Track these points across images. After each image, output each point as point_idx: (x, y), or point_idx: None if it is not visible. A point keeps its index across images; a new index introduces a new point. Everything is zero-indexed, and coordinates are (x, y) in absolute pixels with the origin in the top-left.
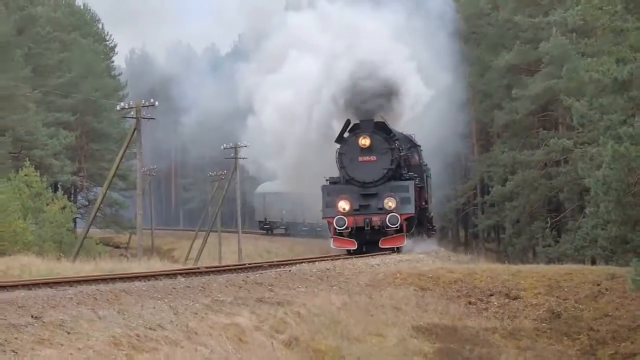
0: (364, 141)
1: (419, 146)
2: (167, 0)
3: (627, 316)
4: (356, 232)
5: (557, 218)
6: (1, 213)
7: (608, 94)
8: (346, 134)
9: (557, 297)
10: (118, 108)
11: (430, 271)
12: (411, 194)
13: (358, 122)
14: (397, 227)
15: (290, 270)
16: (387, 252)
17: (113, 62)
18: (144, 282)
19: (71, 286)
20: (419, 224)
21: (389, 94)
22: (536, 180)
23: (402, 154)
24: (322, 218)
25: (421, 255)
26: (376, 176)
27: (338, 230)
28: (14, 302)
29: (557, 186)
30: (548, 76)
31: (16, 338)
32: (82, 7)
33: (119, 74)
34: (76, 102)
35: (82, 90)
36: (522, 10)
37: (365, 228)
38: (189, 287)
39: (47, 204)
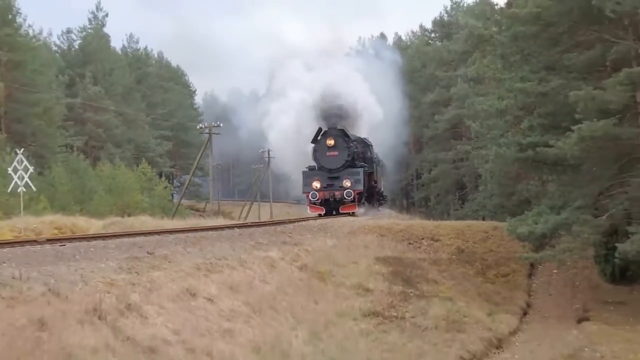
0: (330, 142)
1: (371, 145)
2: (227, 59)
3: (504, 251)
4: (324, 202)
5: (462, 193)
6: (129, 190)
7: (492, 118)
8: (318, 138)
9: (462, 239)
10: (198, 127)
11: (385, 224)
12: (361, 177)
13: (327, 129)
14: (351, 199)
15: (301, 224)
16: (347, 215)
17: (194, 99)
18: (214, 231)
19: (171, 234)
20: (370, 196)
21: (347, 111)
22: (449, 170)
23: (356, 150)
24: (302, 193)
25: (380, 215)
26: (338, 165)
27: (312, 201)
28: (136, 244)
29: (461, 174)
30: (456, 108)
31: (138, 265)
32: (175, 66)
33: (198, 107)
34: (172, 124)
35: (176, 117)
36: (440, 68)
37: (330, 199)
38: (241, 234)
39: (155, 185)
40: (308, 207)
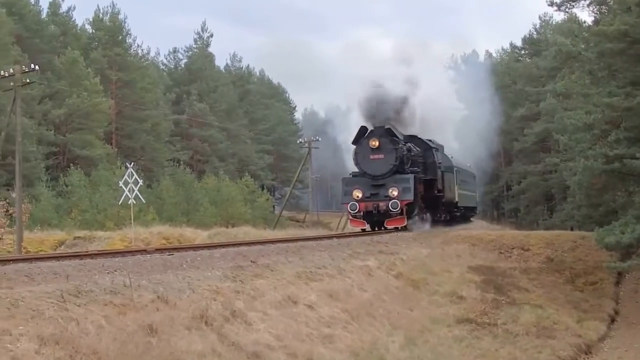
0: (374, 143)
1: (435, 149)
2: (325, 75)
3: (591, 260)
4: (367, 215)
5: (551, 204)
6: (233, 202)
7: (580, 132)
8: (361, 139)
9: (551, 249)
10: (297, 142)
11: (477, 234)
12: (411, 184)
13: (372, 129)
14: (398, 211)
15: (397, 235)
16: (455, 225)
17: (294, 115)
18: (314, 241)
19: (272, 244)
20: (430, 208)
21: (401, 108)
22: (538, 182)
23: (405, 153)
24: (341, 204)
25: (471, 226)
26: (384, 170)
27: (352, 213)
28: (239, 253)
29: (550, 185)
30: (544, 122)
31: (242, 273)
32: (276, 83)
33: (298, 122)
34: (274, 139)
35: (277, 131)
36: (529, 83)
37: (373, 212)
38: (339, 244)
39: (258, 197)
40: (349, 220)
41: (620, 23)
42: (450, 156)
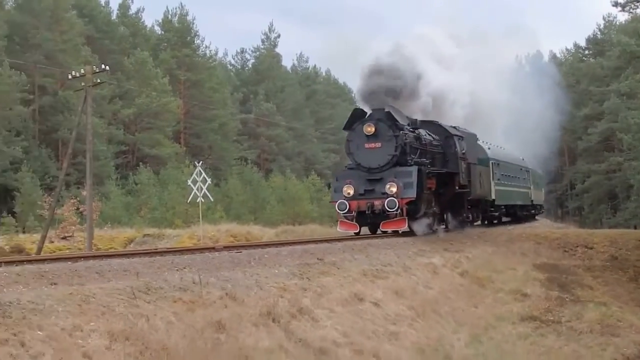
0: (369, 128)
1: (460, 137)
2: None
3: None
4: (359, 216)
5: (614, 202)
6: (299, 200)
7: None
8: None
9: (615, 247)
10: None
11: (541, 232)
12: (414, 179)
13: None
14: (397, 210)
15: (461, 232)
16: (521, 222)
17: None
18: (379, 239)
19: (339, 242)
20: (449, 208)
21: (408, 87)
22: (602, 181)
23: (407, 141)
24: (329, 202)
25: (537, 224)
26: (381, 162)
27: (342, 214)
28: (306, 251)
29: (614, 184)
30: (608, 121)
31: (309, 271)
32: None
33: None
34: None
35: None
36: (593, 83)
37: (367, 212)
38: (405, 242)
39: (324, 196)
40: (338, 222)
41: None
42: (487, 147)
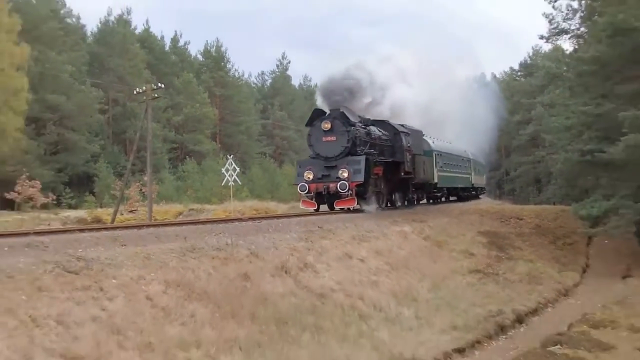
0: (326, 125)
1: (406, 133)
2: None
3: (569, 227)
4: (317, 196)
5: (539, 185)
6: None
7: (561, 132)
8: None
9: (539, 219)
10: None
11: (484, 208)
12: (362, 166)
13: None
14: (347, 192)
15: (426, 207)
16: (467, 201)
17: None
18: (364, 213)
19: (334, 214)
20: (396, 189)
21: (361, 90)
22: (529, 169)
23: (357, 135)
24: (292, 184)
25: (480, 202)
26: (336, 152)
27: (303, 194)
28: (310, 221)
29: (538, 172)
30: (535, 125)
31: (312, 236)
32: None
33: None
34: None
35: None
36: (524, 97)
37: (323, 192)
38: (383, 215)
39: None
40: (300, 201)
41: (594, 51)
42: (431, 141)
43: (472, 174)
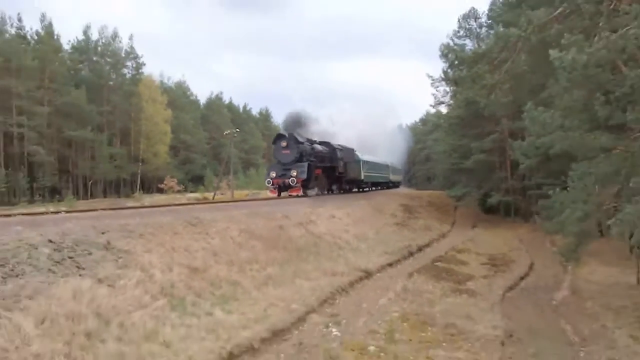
0: (283, 143)
1: (340, 149)
2: None
3: (446, 202)
4: (279, 187)
5: (429, 180)
6: None
7: (441, 154)
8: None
9: (430, 197)
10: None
11: (402, 192)
12: (305, 169)
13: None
14: (295, 184)
15: (377, 192)
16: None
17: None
18: (344, 194)
19: (328, 196)
20: (334, 183)
21: (307, 122)
22: (423, 171)
23: (304, 149)
24: (265, 179)
25: (400, 190)
26: (289, 160)
27: (268, 186)
28: (315, 198)
29: (429, 173)
30: (427, 150)
31: (314, 207)
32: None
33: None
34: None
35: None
36: (422, 136)
37: (281, 185)
38: (352, 197)
39: None
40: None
41: (456, 112)
42: (360, 155)
43: (390, 174)
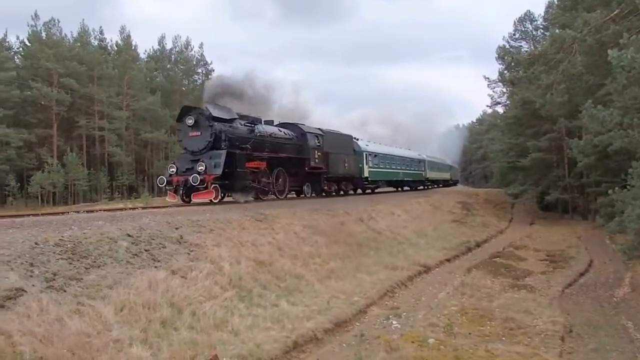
0: (189, 120)
1: (320, 135)
2: None
3: (502, 199)
4: (184, 189)
5: (486, 179)
6: None
7: (498, 153)
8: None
9: (487, 195)
10: None
11: (458, 189)
12: (222, 160)
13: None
14: (199, 184)
15: (433, 190)
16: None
17: None
18: (400, 192)
19: (382, 194)
20: (309, 182)
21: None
22: (480, 170)
23: (224, 130)
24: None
25: (457, 187)
26: (201, 146)
27: (161, 186)
28: (372, 197)
29: (485, 172)
30: (484, 149)
31: (373, 204)
32: None
33: None
34: None
35: None
36: (477, 136)
37: (181, 186)
38: (408, 195)
39: None
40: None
41: (513, 112)
42: (365, 144)
43: (427, 170)
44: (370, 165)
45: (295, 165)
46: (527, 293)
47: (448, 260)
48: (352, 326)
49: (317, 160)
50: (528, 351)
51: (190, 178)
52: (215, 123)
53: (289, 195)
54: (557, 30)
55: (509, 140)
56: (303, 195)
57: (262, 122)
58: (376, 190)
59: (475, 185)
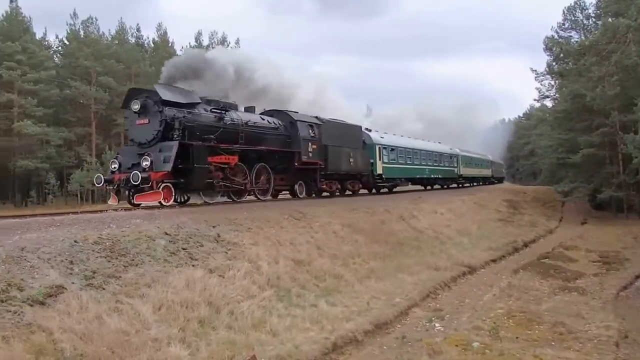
0: (135, 106)
1: (315, 124)
2: None
3: (552, 197)
4: (129, 189)
5: (534, 176)
6: None
7: (546, 149)
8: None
9: (535, 193)
10: None
11: (504, 187)
12: (172, 153)
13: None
14: (139, 183)
15: (477, 188)
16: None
17: None
18: (444, 190)
19: (426, 191)
20: (302, 179)
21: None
22: (528, 167)
23: (177, 117)
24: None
25: (503, 185)
26: (149, 137)
27: (99, 186)
28: (413, 195)
29: (534, 168)
30: (532, 145)
31: (416, 202)
32: None
33: None
34: None
35: None
36: (525, 131)
37: (122, 185)
38: (451, 192)
39: None
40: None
41: (562, 106)
42: (379, 136)
43: (461, 166)
44: (386, 160)
45: (283, 160)
46: (578, 296)
47: (494, 260)
48: (393, 328)
49: (310, 155)
50: (580, 357)
51: (131, 176)
52: (166, 108)
53: (286, 196)
54: (609, 19)
55: (558, 135)
56: (308, 196)
57: (239, 109)
58: (394, 190)
59: (522, 183)
